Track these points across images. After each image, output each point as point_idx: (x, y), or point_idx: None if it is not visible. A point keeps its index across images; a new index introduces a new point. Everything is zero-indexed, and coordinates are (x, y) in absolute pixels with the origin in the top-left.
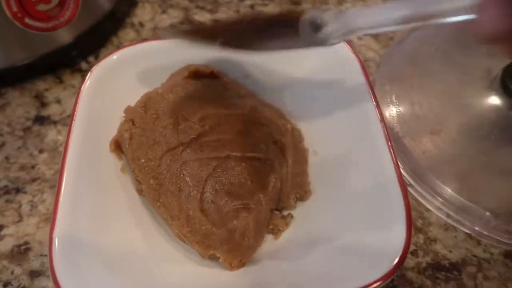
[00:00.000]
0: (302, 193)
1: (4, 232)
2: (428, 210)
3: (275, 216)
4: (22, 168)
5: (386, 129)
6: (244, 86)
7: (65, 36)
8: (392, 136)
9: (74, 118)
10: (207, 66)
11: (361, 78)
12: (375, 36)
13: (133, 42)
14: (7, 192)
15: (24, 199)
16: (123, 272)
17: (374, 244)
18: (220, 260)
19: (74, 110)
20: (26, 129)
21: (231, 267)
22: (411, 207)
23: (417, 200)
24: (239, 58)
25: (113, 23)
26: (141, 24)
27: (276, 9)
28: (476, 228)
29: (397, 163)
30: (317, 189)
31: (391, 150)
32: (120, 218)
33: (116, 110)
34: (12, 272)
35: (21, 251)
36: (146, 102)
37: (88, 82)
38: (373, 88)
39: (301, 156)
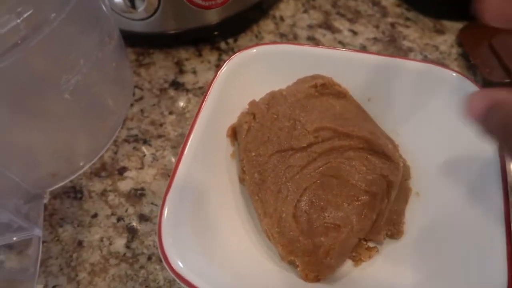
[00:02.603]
0: (394, 231)
1: (127, 174)
2: None
3: (361, 244)
4: (152, 123)
5: (506, 191)
6: (365, 109)
7: (213, 16)
8: None
9: (206, 98)
10: (334, 82)
11: None
12: None
13: (270, 33)
14: (136, 140)
15: (148, 150)
16: (211, 248)
17: None
18: (297, 269)
19: (208, 89)
20: (163, 90)
21: (306, 279)
22: None
23: None
24: (367, 79)
25: (257, 12)
26: (282, 18)
27: (417, 33)
28: None
29: (510, 233)
30: (410, 231)
31: (506, 215)
32: (220, 199)
33: (241, 100)
34: (126, 210)
35: (137, 195)
36: (270, 100)
37: (225, 67)
38: None
39: (403, 195)
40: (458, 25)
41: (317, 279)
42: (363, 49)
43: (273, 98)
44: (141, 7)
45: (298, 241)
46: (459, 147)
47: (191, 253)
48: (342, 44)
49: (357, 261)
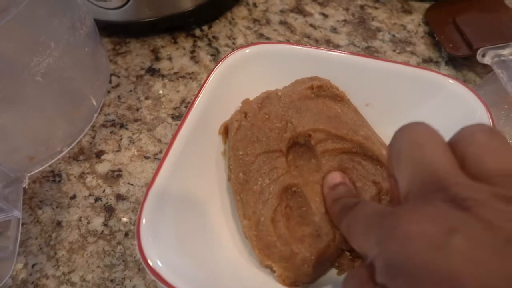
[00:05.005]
0: None
1: (104, 157)
2: None
3: (344, 255)
4: (129, 108)
5: None
6: (362, 114)
7: (188, 3)
8: None
9: (198, 95)
10: (332, 85)
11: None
12: None
13: (244, 19)
14: (113, 125)
15: (125, 134)
16: (191, 247)
17: None
18: (275, 274)
19: (202, 86)
20: (139, 77)
21: (283, 283)
22: None
23: None
24: (365, 84)
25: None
26: (255, 5)
27: (385, 14)
28: None
29: None
30: None
31: None
32: (206, 197)
33: (237, 99)
34: (104, 191)
35: (114, 176)
36: (264, 100)
37: (221, 65)
38: None
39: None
40: (425, 5)
41: (295, 285)
42: (333, 31)
43: (267, 98)
44: None
45: (275, 247)
46: None
47: (171, 253)
48: (313, 27)
49: (340, 270)
